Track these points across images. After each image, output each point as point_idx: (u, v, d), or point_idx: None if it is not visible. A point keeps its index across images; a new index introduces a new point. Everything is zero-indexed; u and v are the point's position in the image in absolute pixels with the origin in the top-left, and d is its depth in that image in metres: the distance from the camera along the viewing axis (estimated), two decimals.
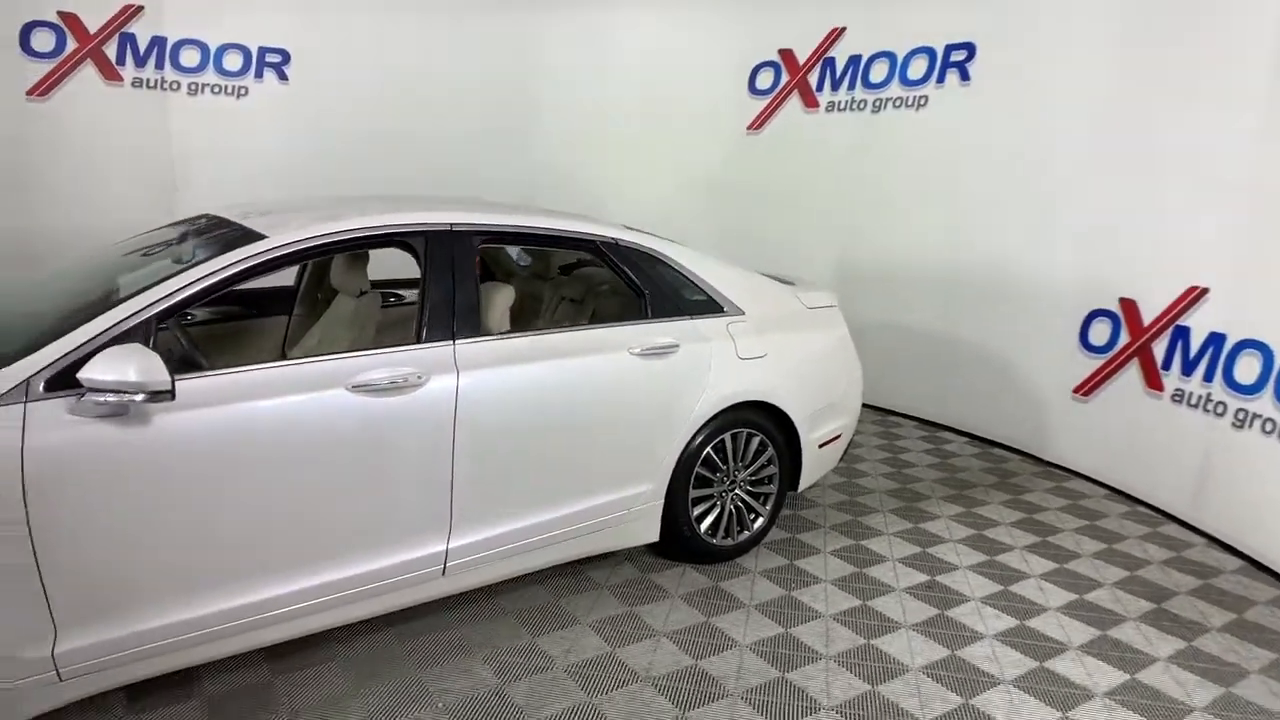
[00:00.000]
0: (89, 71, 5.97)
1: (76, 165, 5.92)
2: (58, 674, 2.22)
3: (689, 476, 3.41)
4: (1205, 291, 4.11)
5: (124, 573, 2.28)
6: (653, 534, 3.40)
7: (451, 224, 2.93)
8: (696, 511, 3.48)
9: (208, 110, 6.38)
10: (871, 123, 5.88)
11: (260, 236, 2.60)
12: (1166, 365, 4.31)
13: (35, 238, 5.77)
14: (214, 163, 6.39)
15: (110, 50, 6.01)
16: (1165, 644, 3.12)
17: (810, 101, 6.21)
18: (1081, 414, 4.82)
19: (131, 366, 2.13)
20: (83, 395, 2.17)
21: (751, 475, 3.63)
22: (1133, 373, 4.51)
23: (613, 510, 3.23)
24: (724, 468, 3.52)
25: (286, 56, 6.59)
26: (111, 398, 2.16)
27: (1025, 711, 2.68)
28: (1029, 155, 4.98)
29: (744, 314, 3.59)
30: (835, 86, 6.07)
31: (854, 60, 5.95)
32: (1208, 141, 4.05)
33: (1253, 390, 3.84)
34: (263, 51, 6.53)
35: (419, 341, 2.76)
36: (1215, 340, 4.05)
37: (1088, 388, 4.78)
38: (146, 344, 2.28)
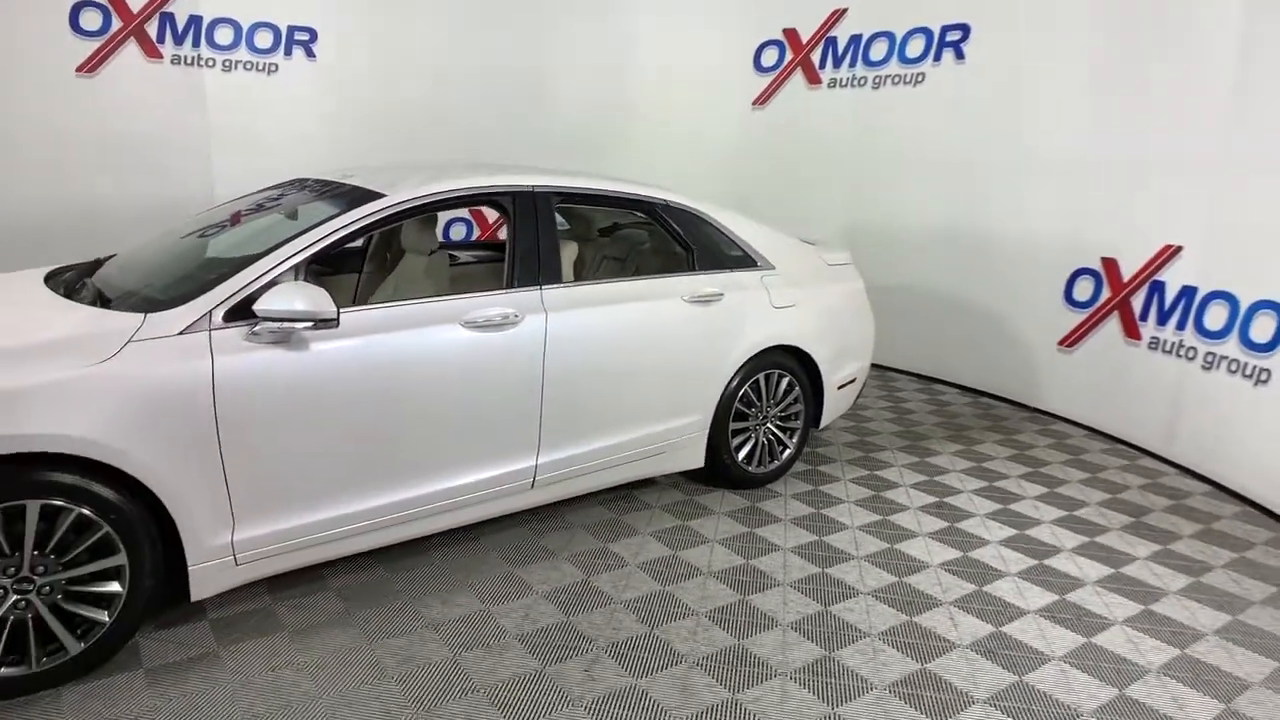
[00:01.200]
0: (132, 49, 6.26)
1: (121, 138, 6.22)
2: (234, 559, 2.65)
3: (729, 411, 3.87)
4: (1179, 249, 4.63)
5: (287, 475, 2.70)
6: (699, 460, 3.87)
7: (534, 186, 3.36)
8: (735, 442, 3.95)
9: (240, 86, 6.68)
10: (872, 98, 6.33)
11: (379, 195, 3.01)
12: (1144, 316, 4.84)
13: (88, 206, 6.09)
14: (247, 137, 6.70)
15: (151, 29, 6.30)
16: (1144, 547, 3.65)
17: (813, 78, 6.65)
18: (1066, 364, 5.35)
19: (304, 299, 2.55)
20: (255, 325, 2.59)
21: (780, 412, 4.10)
22: (1113, 324, 5.03)
23: (668, 438, 3.69)
24: (758, 404, 3.99)
25: (314, 35, 6.89)
26: (284, 326, 2.58)
27: (1029, 595, 3.18)
28: (1019, 128, 5.45)
29: (775, 268, 4.05)
30: (837, 64, 6.51)
31: (855, 39, 6.39)
32: (1181, 114, 4.54)
33: (1220, 335, 4.37)
34: (291, 30, 6.84)
35: (510, 287, 3.19)
36: (1187, 293, 4.58)
37: (1071, 339, 5.30)
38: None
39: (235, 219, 3.34)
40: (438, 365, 2.95)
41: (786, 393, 4.08)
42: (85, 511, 2.35)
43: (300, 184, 3.58)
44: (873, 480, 4.25)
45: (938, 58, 5.93)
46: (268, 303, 2.56)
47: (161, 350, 2.47)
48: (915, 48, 6.05)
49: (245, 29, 6.63)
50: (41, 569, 2.33)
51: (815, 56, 6.59)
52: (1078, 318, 5.24)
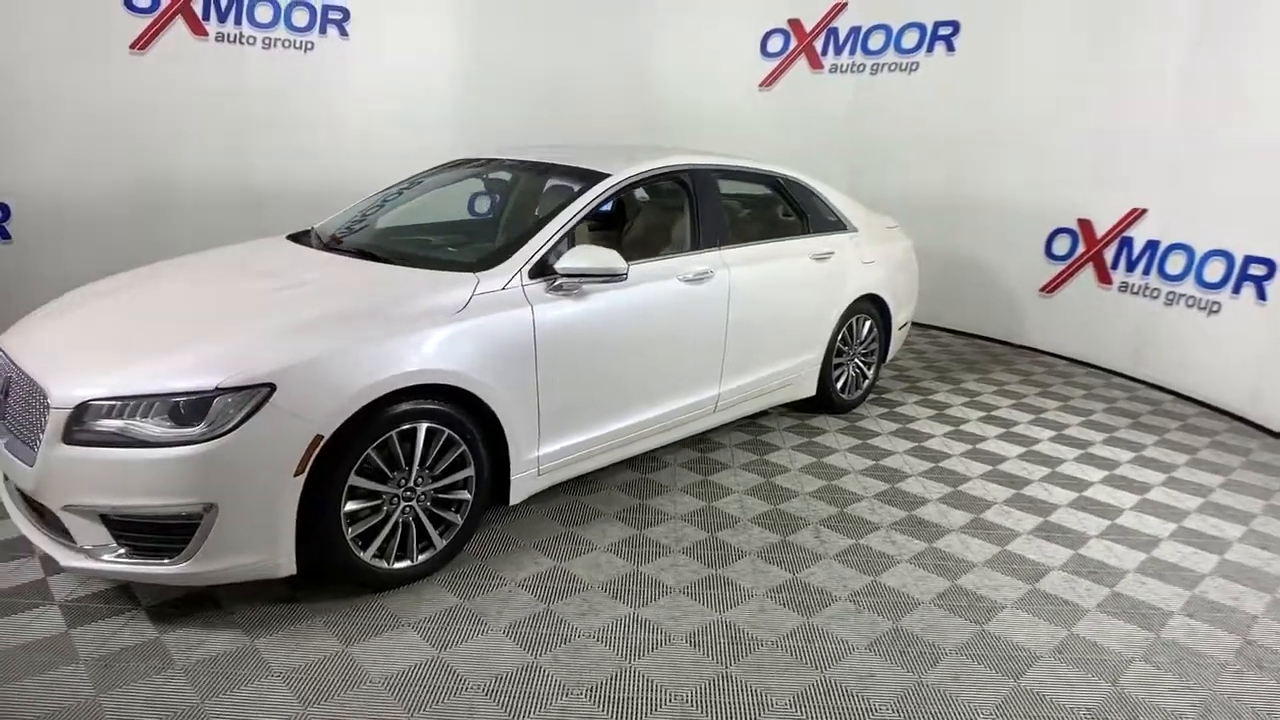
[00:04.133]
0: (180, 26, 6.44)
1: (172, 113, 6.40)
2: (538, 470, 3.31)
3: (834, 348, 4.73)
4: (1144, 211, 5.79)
5: (573, 402, 3.36)
6: (813, 389, 4.71)
7: (705, 165, 4.08)
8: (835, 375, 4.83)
9: (279, 63, 6.94)
10: (870, 83, 7.26)
11: (605, 175, 3.67)
12: (1114, 265, 6.00)
13: (144, 179, 6.28)
14: (286, 113, 6.98)
15: (197, 6, 6.48)
16: (1149, 437, 4.78)
17: (815, 64, 7.52)
18: (1047, 306, 6.49)
19: (602, 259, 3.21)
20: (556, 279, 3.23)
21: (863, 349, 5.00)
22: (1088, 273, 6.19)
23: (797, 371, 4.52)
24: (849, 342, 4.87)
25: (347, 14, 7.20)
26: (583, 280, 3.23)
27: (1054, 490, 4.22)
28: (1004, 110, 6.49)
29: (858, 230, 4.91)
30: (838, 52, 7.39)
31: (854, 30, 7.28)
32: (1143, 97, 5.65)
33: (1179, 278, 5.56)
34: (325, 8, 7.12)
35: (695, 249, 3.91)
36: (1151, 245, 5.75)
37: (1052, 287, 6.44)
38: (570, 246, 3.34)
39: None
40: (669, 312, 3.67)
41: (869, 334, 4.97)
42: (451, 433, 2.96)
43: (492, 162, 4.18)
44: (928, 402, 5.23)
45: (930, 49, 6.90)
46: (570, 261, 3.20)
47: (495, 302, 3.09)
48: (910, 39, 7.00)
49: (283, 7, 6.87)
50: (419, 481, 2.93)
51: (818, 44, 7.44)
52: (1057, 268, 6.38)
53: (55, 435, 2.52)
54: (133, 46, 6.21)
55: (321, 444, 2.60)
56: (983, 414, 5.07)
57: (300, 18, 7.00)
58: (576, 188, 3.61)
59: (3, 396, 2.83)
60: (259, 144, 6.90)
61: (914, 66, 7.00)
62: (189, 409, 2.48)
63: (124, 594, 2.84)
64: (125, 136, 6.18)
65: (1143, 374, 5.86)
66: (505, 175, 4.31)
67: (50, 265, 5.71)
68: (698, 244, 3.93)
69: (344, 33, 7.22)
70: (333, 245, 3.69)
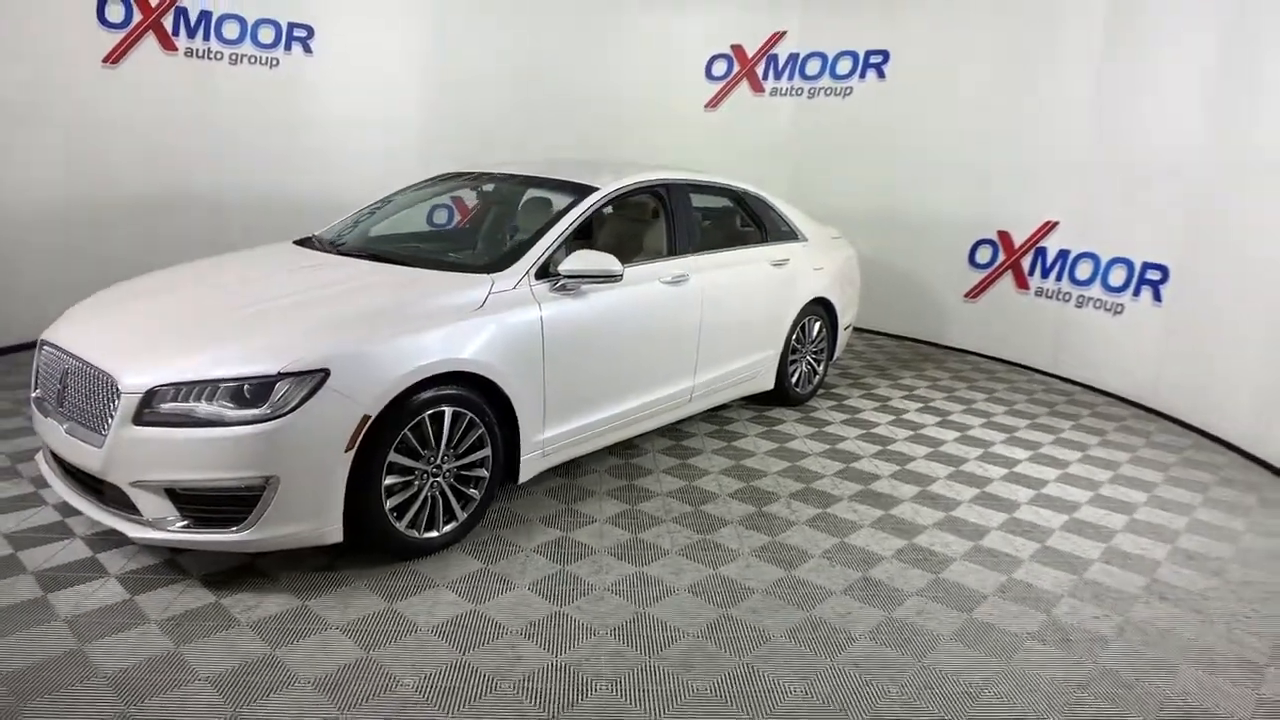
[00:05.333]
0: (151, 42, 6.60)
1: (143, 127, 6.54)
2: (543, 452, 3.68)
3: (789, 346, 5.22)
4: (1056, 224, 6.49)
5: (573, 389, 3.74)
6: (771, 384, 5.18)
7: (678, 180, 4.53)
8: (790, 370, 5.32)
9: (246, 79, 7.14)
10: (808, 105, 7.86)
11: (594, 188, 4.08)
12: (1031, 272, 6.69)
13: (114, 194, 6.40)
14: (253, 128, 7.18)
15: (167, 22, 6.65)
16: (1065, 422, 5.42)
17: (757, 87, 8.08)
18: (971, 310, 7.15)
19: (601, 261, 3.61)
20: (558, 281, 3.62)
21: (814, 347, 5.51)
22: (1007, 279, 6.87)
23: (757, 367, 4.99)
24: (802, 341, 5.37)
25: (311, 31, 7.45)
26: (584, 281, 3.62)
27: (988, 467, 4.80)
28: (929, 131, 7.14)
29: (808, 240, 5.43)
30: (778, 76, 7.97)
31: (793, 57, 7.88)
32: (1051, 121, 6.36)
33: (1087, 283, 6.26)
34: (291, 26, 7.35)
35: (672, 255, 4.35)
36: (1063, 254, 6.45)
37: (975, 292, 7.11)
38: (568, 252, 3.74)
39: (463, 207, 4.29)
40: (653, 310, 4.09)
41: (819, 333, 5.49)
42: (472, 416, 3.31)
43: (460, 177, 4.59)
44: (872, 394, 5.78)
45: (863, 75, 7.53)
46: (572, 264, 3.60)
47: (508, 300, 3.46)
48: (844, 66, 7.63)
49: (250, 24, 7.09)
50: (444, 459, 3.27)
51: (759, 69, 8.01)
52: (979, 275, 7.05)
53: (126, 418, 2.79)
54: (105, 60, 6.34)
55: (369, 423, 2.92)
56: (920, 405, 5.64)
57: (266, 35, 7.21)
58: (570, 199, 4.00)
59: (60, 387, 3.07)
60: (229, 157, 7.06)
61: (848, 91, 7.62)
62: (254, 392, 2.78)
63: (173, 567, 3.09)
64: (98, 149, 6.28)
65: (1059, 369, 6.55)
66: (499, 188, 4.68)
67: (27, 275, 5.79)
68: (674, 250, 4.37)
69: (308, 50, 7.46)
70: (347, 250, 3.99)
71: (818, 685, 2.64)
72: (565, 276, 3.61)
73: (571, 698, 2.50)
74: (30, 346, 5.85)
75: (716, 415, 5.12)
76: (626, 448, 4.47)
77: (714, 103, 8.25)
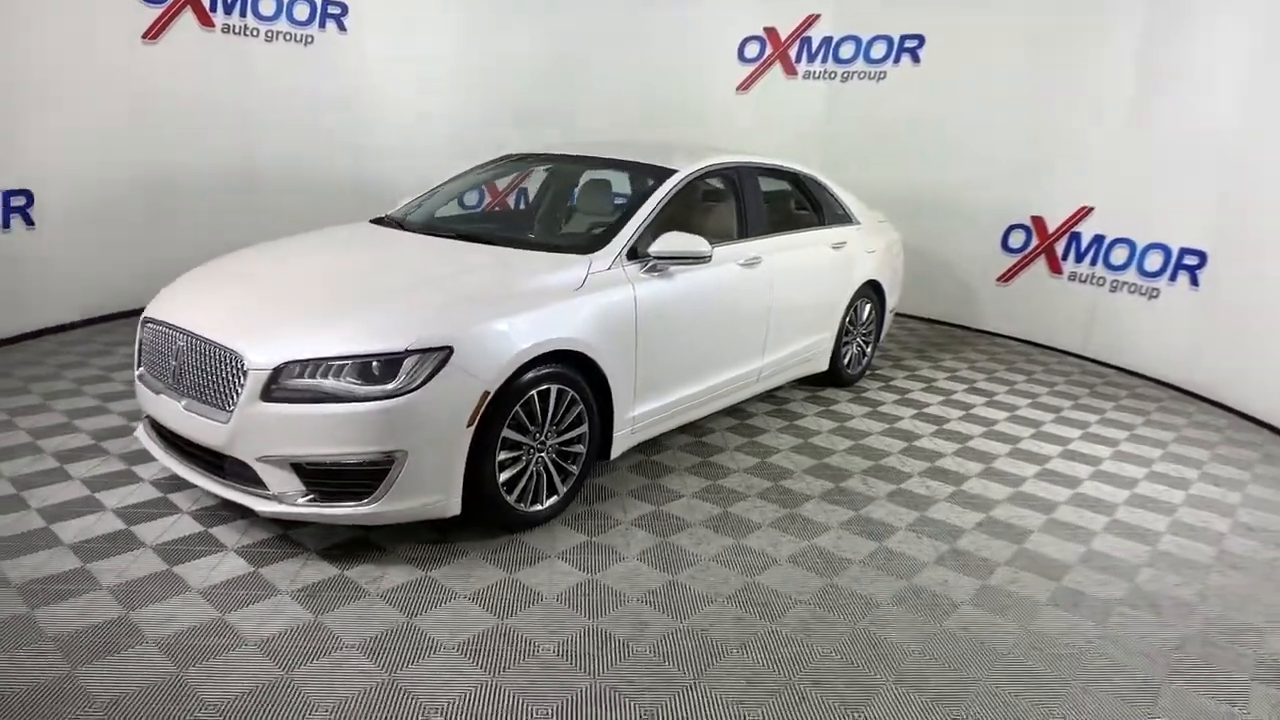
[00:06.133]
0: (189, 17, 6.57)
1: (182, 102, 6.52)
2: (632, 429, 3.77)
3: (842, 329, 5.33)
4: (1092, 209, 6.62)
5: (661, 369, 3.83)
6: (825, 365, 5.29)
7: (747, 162, 4.60)
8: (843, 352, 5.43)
9: (282, 56, 7.13)
10: (841, 89, 7.93)
11: (673, 170, 4.14)
12: (1065, 257, 6.82)
13: (159, 166, 6.39)
14: (286, 106, 7.17)
15: None
16: (1107, 403, 5.56)
17: (790, 70, 8.14)
18: (1003, 294, 7.28)
19: (691, 243, 3.68)
20: (647, 261, 3.70)
21: (864, 329, 5.62)
22: (1040, 264, 7.00)
23: (815, 349, 5.10)
24: (853, 325, 5.48)
25: (345, 9, 7.43)
26: (671, 263, 3.70)
27: (1043, 445, 4.94)
28: (965, 117, 7.23)
29: (860, 224, 5.52)
30: (811, 60, 8.03)
31: (826, 40, 7.94)
32: (1087, 107, 6.47)
33: (1122, 268, 6.40)
34: (325, 3, 7.34)
35: (743, 238, 4.42)
36: (1098, 239, 6.58)
37: (1007, 276, 7.23)
38: (653, 236, 3.80)
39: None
40: (730, 292, 4.19)
41: (869, 316, 5.60)
42: (574, 393, 3.39)
43: (527, 159, 4.69)
44: (917, 374, 5.91)
45: (897, 60, 7.60)
46: (662, 245, 3.67)
47: (604, 280, 3.54)
48: (878, 51, 7.69)
49: (285, 1, 7.06)
50: (548, 435, 3.36)
51: (792, 52, 8.07)
52: (1012, 260, 7.17)
53: (254, 394, 2.85)
54: (144, 36, 6.31)
55: (488, 399, 3.00)
56: (966, 386, 5.76)
57: (301, 12, 7.19)
58: (651, 182, 4.07)
59: (175, 364, 3.12)
60: (263, 133, 7.05)
61: (882, 75, 7.69)
62: (382, 368, 2.85)
63: (288, 541, 3.17)
64: (139, 124, 6.26)
65: (1090, 352, 6.69)
66: (569, 169, 4.73)
67: (72, 251, 5.79)
68: (744, 233, 4.44)
69: (342, 28, 7.45)
70: (432, 230, 4.04)
71: (933, 646, 2.76)
72: (656, 257, 3.69)
73: (706, 660, 2.61)
74: (81, 325, 5.88)
75: (773, 396, 5.22)
76: (695, 427, 4.57)
77: (746, 85, 8.31)
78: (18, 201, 5.39)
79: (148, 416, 3.46)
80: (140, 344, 3.42)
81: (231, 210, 6.81)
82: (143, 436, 3.49)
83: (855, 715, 2.41)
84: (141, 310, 3.50)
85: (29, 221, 5.55)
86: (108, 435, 4.05)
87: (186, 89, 6.50)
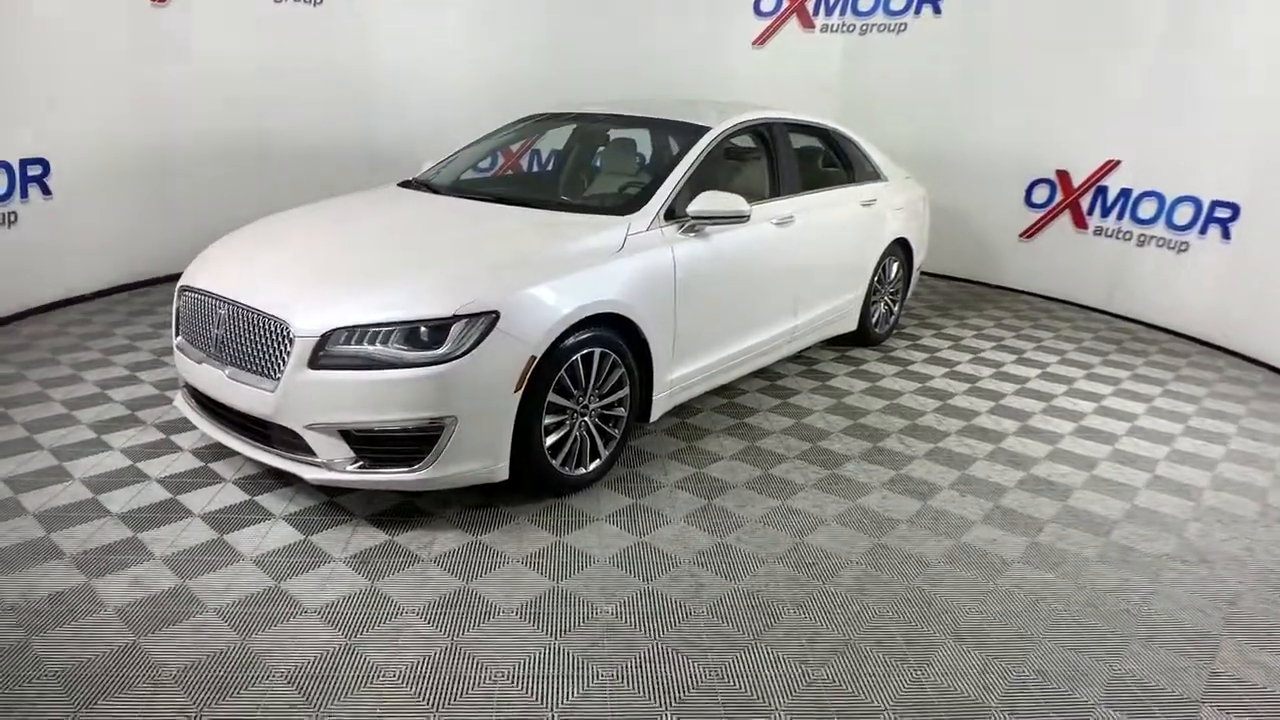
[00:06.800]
0: None
1: (191, 67, 6.39)
2: (671, 392, 3.75)
3: (871, 288, 5.28)
4: (1118, 162, 6.52)
5: (699, 331, 3.79)
6: (854, 325, 5.25)
7: (778, 119, 4.52)
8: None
9: (289, 17, 6.98)
10: (860, 42, 7.77)
11: (707, 128, 4.07)
12: (1090, 212, 6.73)
13: (170, 137, 6.30)
14: (296, 66, 7.04)
15: None
16: (1136, 359, 5.53)
17: (807, 23, 7.97)
18: (1026, 250, 7.20)
19: (729, 202, 3.62)
20: (685, 222, 3.64)
21: (891, 288, 5.57)
22: (1064, 219, 6.91)
23: (846, 307, 5.05)
24: (881, 284, 5.42)
25: None
26: (708, 223, 3.64)
27: (1077, 402, 4.91)
28: (987, 68, 7.09)
29: (889, 180, 5.44)
30: (829, 12, 7.86)
31: None
32: (1117, 55, 6.34)
33: (1151, 222, 6.32)
34: None
35: (775, 196, 4.36)
36: (1125, 193, 6.49)
37: (1030, 232, 7.15)
38: (689, 196, 3.74)
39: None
40: (765, 252, 4.14)
41: (896, 273, 5.54)
42: (616, 357, 3.36)
43: (556, 118, 4.62)
44: (944, 330, 5.87)
45: (918, 11, 7.43)
46: (700, 205, 3.61)
47: (644, 242, 3.49)
48: (898, 1, 7.52)
49: None
50: (590, 399, 3.33)
51: (809, 5, 7.89)
52: (1036, 215, 7.09)
53: (301, 362, 2.82)
54: (154, 0, 6.18)
55: (535, 364, 2.97)
56: (993, 343, 5.73)
57: None
58: (686, 140, 4.00)
59: (217, 332, 3.09)
60: (275, 97, 6.94)
61: (902, 27, 7.53)
62: (430, 333, 2.82)
63: (335, 508, 3.16)
64: (152, 90, 6.15)
65: (1116, 308, 6.64)
66: (598, 128, 4.66)
67: (90, 220, 5.73)
68: (776, 191, 4.38)
69: None
70: (465, 193, 3.99)
71: (989, 604, 2.76)
72: (694, 218, 3.63)
73: (765, 621, 2.61)
74: (101, 294, 5.84)
75: (803, 357, 5.19)
76: (727, 390, 4.54)
77: (762, 39, 8.15)
78: (34, 170, 5.31)
79: (186, 385, 3.44)
80: (177, 312, 3.38)
81: (245, 176, 6.74)
82: (182, 405, 3.47)
83: (919, 673, 2.41)
84: (159, 279, 3.47)
85: (46, 191, 5.47)
86: (143, 404, 4.04)
87: (197, 52, 6.37)
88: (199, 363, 3.19)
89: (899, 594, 2.80)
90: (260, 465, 3.29)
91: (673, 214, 3.65)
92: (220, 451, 3.54)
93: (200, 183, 6.48)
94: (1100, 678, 2.43)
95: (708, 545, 3.04)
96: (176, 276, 3.52)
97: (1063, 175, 6.86)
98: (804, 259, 4.42)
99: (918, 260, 5.77)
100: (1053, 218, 6.99)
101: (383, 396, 2.81)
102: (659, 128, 4.35)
